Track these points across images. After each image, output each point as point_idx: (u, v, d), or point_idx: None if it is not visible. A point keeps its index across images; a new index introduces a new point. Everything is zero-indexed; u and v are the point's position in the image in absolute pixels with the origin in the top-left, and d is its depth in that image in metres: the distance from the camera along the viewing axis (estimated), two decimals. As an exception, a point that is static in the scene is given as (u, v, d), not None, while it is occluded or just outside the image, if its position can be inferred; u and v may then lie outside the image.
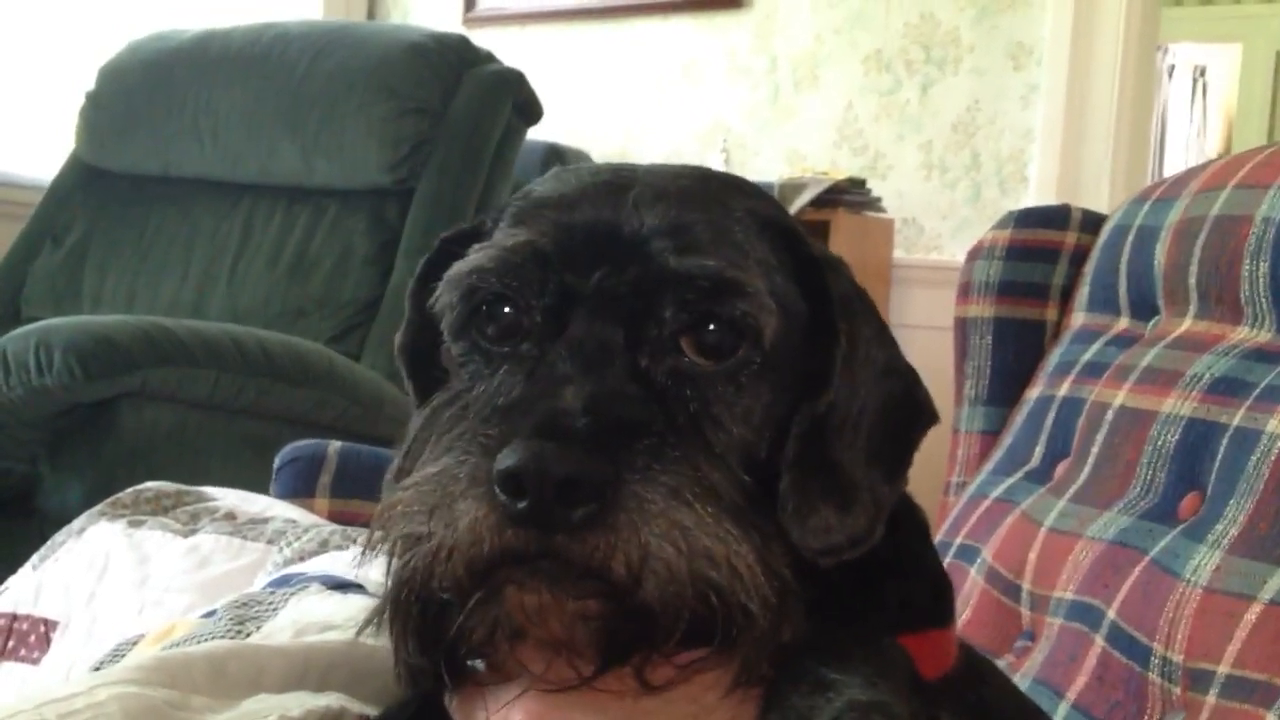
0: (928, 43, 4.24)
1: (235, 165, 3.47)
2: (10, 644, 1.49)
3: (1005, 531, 1.53)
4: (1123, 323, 1.60)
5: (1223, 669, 1.13)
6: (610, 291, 0.76)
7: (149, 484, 1.66)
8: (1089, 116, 3.98)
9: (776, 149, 4.51)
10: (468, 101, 3.32)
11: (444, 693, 0.82)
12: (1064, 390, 1.59)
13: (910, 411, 0.88)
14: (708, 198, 0.83)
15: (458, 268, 0.81)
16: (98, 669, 1.13)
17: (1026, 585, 1.45)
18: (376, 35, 3.52)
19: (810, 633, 0.75)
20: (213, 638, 1.07)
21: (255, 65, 3.45)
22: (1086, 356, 1.59)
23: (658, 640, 0.71)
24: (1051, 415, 1.59)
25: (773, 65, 4.52)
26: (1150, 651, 1.21)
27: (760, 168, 4.47)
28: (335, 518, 1.68)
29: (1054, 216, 1.79)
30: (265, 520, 1.58)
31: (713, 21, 4.63)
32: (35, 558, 1.58)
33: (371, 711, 0.90)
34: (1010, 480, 1.61)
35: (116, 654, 1.17)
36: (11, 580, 1.58)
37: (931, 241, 4.26)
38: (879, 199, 4.19)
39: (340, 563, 1.32)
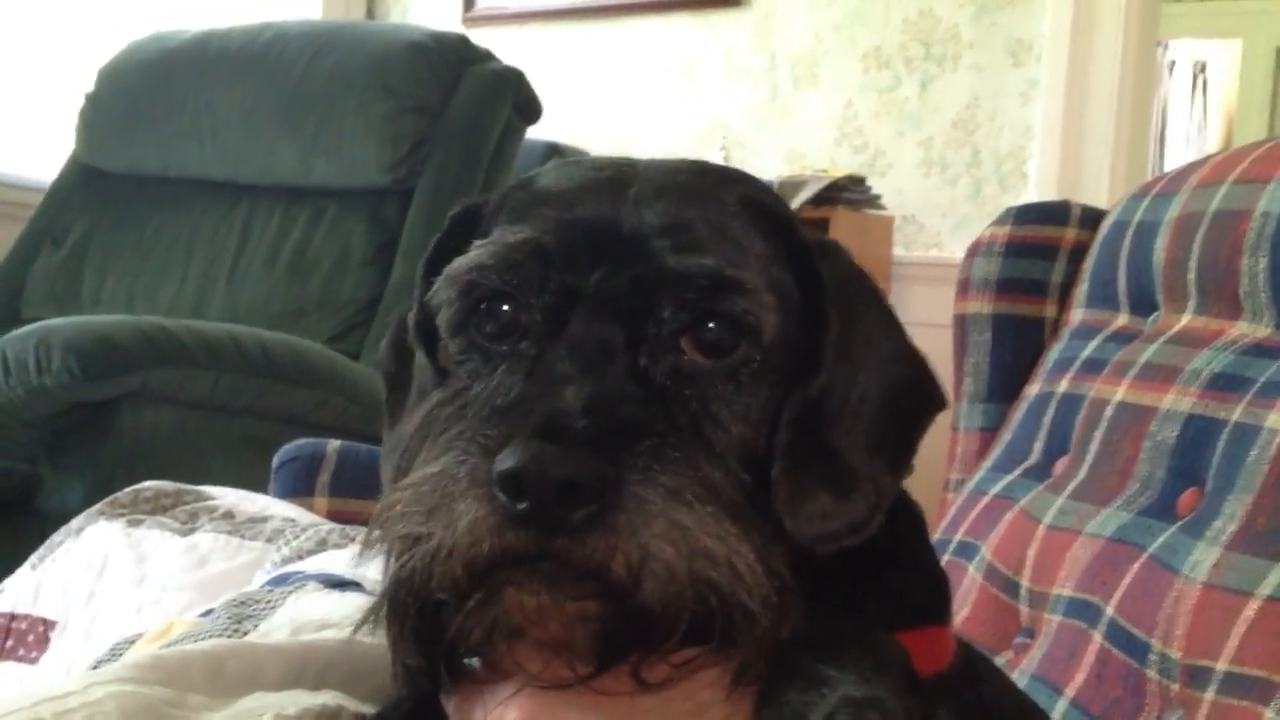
0: (927, 39, 4.23)
1: (234, 165, 3.47)
2: (9, 644, 1.49)
3: (1004, 528, 1.53)
4: (1122, 319, 1.59)
5: (1221, 665, 1.13)
6: (610, 291, 0.76)
7: (148, 483, 1.66)
8: (1089, 113, 3.98)
9: (776, 147, 4.51)
10: (467, 100, 3.32)
11: (441, 692, 0.81)
12: (1063, 387, 1.59)
13: (916, 398, 0.87)
14: (705, 192, 0.83)
15: (457, 264, 0.81)
16: (96, 668, 1.13)
17: (1025, 582, 1.45)
18: (375, 34, 3.52)
19: (806, 628, 0.75)
20: (210, 636, 1.07)
21: (254, 65, 3.45)
22: (1085, 353, 1.59)
23: (657, 641, 0.71)
24: (1050, 412, 1.59)
25: (772, 63, 4.52)
26: (1148, 648, 1.21)
27: (760, 166, 4.47)
28: (334, 516, 1.68)
29: (1053, 213, 1.79)
30: (264, 519, 1.58)
31: (711, 20, 4.63)
32: (34, 557, 1.59)
33: (368, 710, 0.89)
34: (1009, 477, 1.60)
35: (115, 653, 1.17)
36: (10, 580, 1.58)
37: (931, 238, 4.26)
38: (879, 196, 4.19)
39: (338, 561, 1.32)
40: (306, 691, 0.89)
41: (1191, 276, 1.43)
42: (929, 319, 3.92)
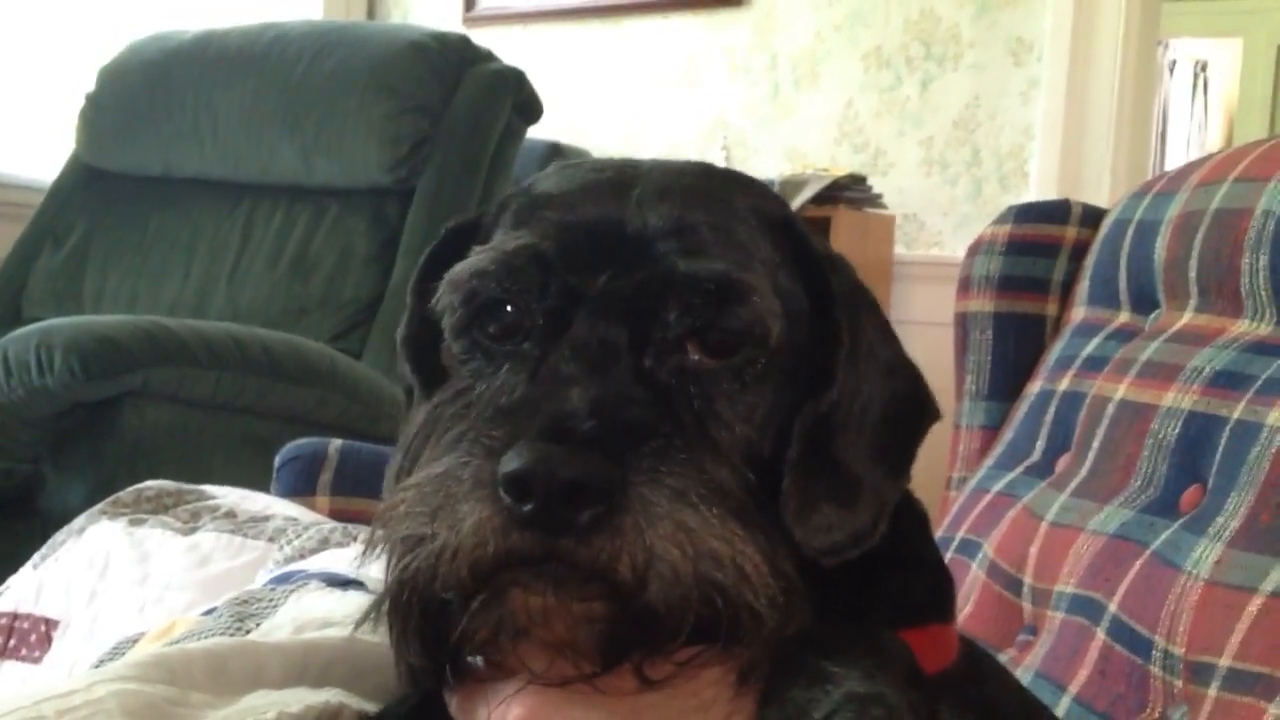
0: (928, 39, 4.23)
1: (235, 165, 3.47)
2: (11, 643, 1.49)
3: (1007, 526, 1.53)
4: (1123, 317, 1.59)
5: (1224, 662, 1.13)
6: (616, 293, 0.76)
7: (150, 483, 1.66)
8: (1089, 112, 3.98)
9: (777, 146, 4.51)
10: (468, 100, 3.32)
11: (444, 690, 0.81)
12: (1065, 384, 1.59)
13: (913, 409, 0.88)
14: (711, 195, 0.83)
15: (458, 269, 0.81)
16: (98, 667, 1.13)
17: (1028, 579, 1.45)
18: (376, 34, 3.52)
19: (810, 626, 0.75)
20: (213, 635, 1.07)
21: (255, 65, 3.45)
22: (1087, 351, 1.59)
23: (662, 641, 0.71)
24: (1052, 409, 1.59)
25: (773, 62, 4.52)
26: (1152, 644, 1.21)
27: (761, 165, 4.47)
28: (336, 516, 1.68)
29: (1054, 211, 1.79)
30: (266, 518, 1.58)
31: (713, 19, 4.63)
32: (36, 557, 1.59)
33: (370, 708, 0.90)
34: (1011, 475, 1.61)
35: (117, 652, 1.17)
36: (13, 579, 1.58)
37: (932, 237, 4.26)
38: (880, 195, 4.19)
39: (340, 560, 1.32)
40: (309, 689, 0.89)
41: (1192, 275, 1.43)
42: (930, 318, 3.94)
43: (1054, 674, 1.33)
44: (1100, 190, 3.87)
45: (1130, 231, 1.59)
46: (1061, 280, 1.75)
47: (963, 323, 1.80)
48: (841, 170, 4.12)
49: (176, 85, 3.54)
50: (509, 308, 0.79)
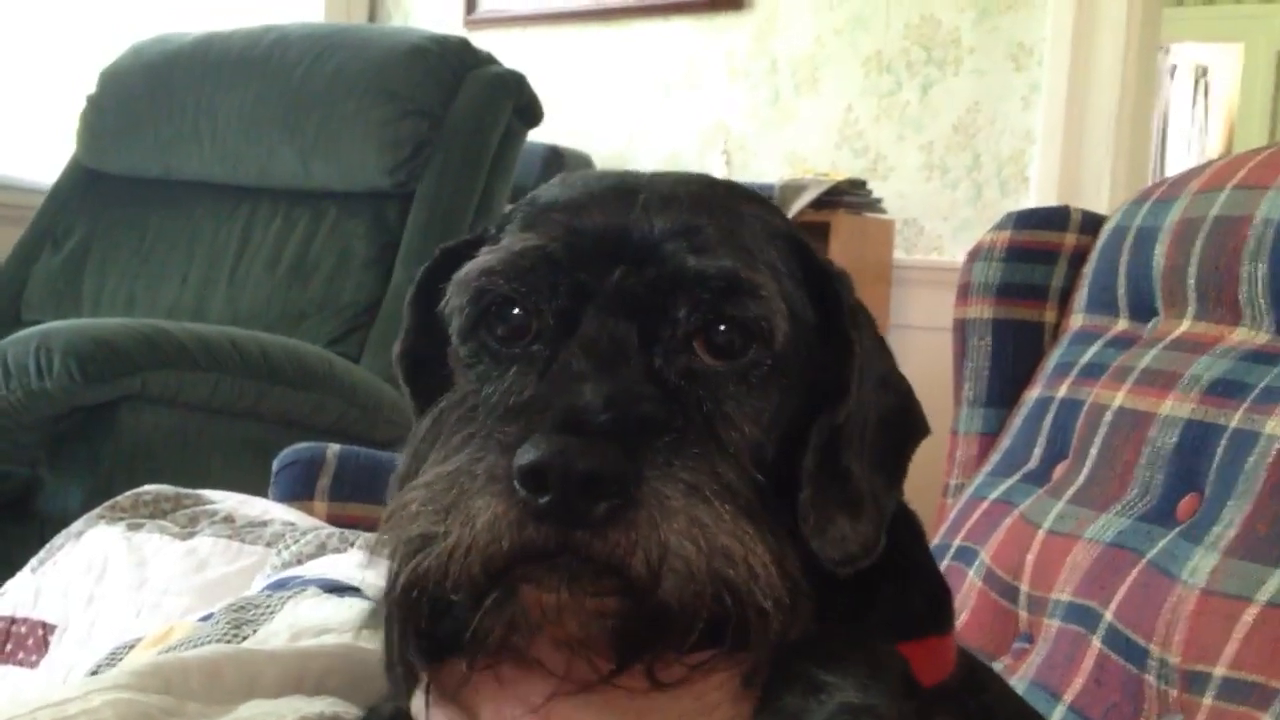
0: (928, 44, 4.23)
1: (235, 168, 3.47)
2: (9, 647, 1.49)
3: (1003, 533, 1.53)
4: (1121, 324, 1.60)
5: (1220, 671, 1.13)
6: (626, 289, 0.76)
7: (148, 487, 1.67)
8: (1090, 117, 3.98)
9: (777, 150, 4.51)
10: (468, 104, 3.32)
11: (426, 693, 0.81)
12: (1062, 391, 1.59)
13: (907, 423, 0.89)
14: (715, 203, 0.83)
15: (467, 269, 0.81)
16: (95, 672, 1.13)
17: (1024, 587, 1.45)
18: (377, 38, 3.52)
19: (807, 634, 0.75)
20: (210, 641, 1.07)
21: (255, 68, 3.46)
22: (1085, 358, 1.59)
23: (674, 640, 0.70)
24: (1050, 416, 1.59)
25: (773, 67, 4.52)
26: (1147, 653, 1.21)
27: (761, 169, 4.47)
28: (334, 521, 1.68)
29: (1053, 218, 1.79)
30: (264, 523, 1.58)
31: (713, 23, 4.63)
32: (34, 561, 1.59)
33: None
34: (1008, 482, 1.60)
35: (114, 657, 1.17)
36: (10, 583, 1.58)
37: (932, 242, 4.26)
38: (879, 200, 4.19)
39: (338, 566, 1.32)
40: (304, 698, 0.89)
41: (1191, 282, 1.43)
42: (929, 323, 3.95)
43: (1049, 682, 1.33)
44: (1100, 195, 3.87)
45: (1129, 238, 1.59)
46: (1060, 287, 1.75)
47: (961, 329, 1.80)
48: (841, 175, 4.12)
49: (177, 88, 3.54)
50: (517, 310, 0.79)
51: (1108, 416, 1.46)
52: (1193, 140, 8.86)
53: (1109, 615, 1.28)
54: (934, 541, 1.64)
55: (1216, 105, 8.91)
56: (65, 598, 1.51)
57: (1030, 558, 1.45)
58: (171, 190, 3.56)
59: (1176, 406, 1.35)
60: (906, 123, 4.28)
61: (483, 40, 3.88)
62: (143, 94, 3.59)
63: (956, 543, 1.61)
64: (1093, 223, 1.76)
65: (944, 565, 1.56)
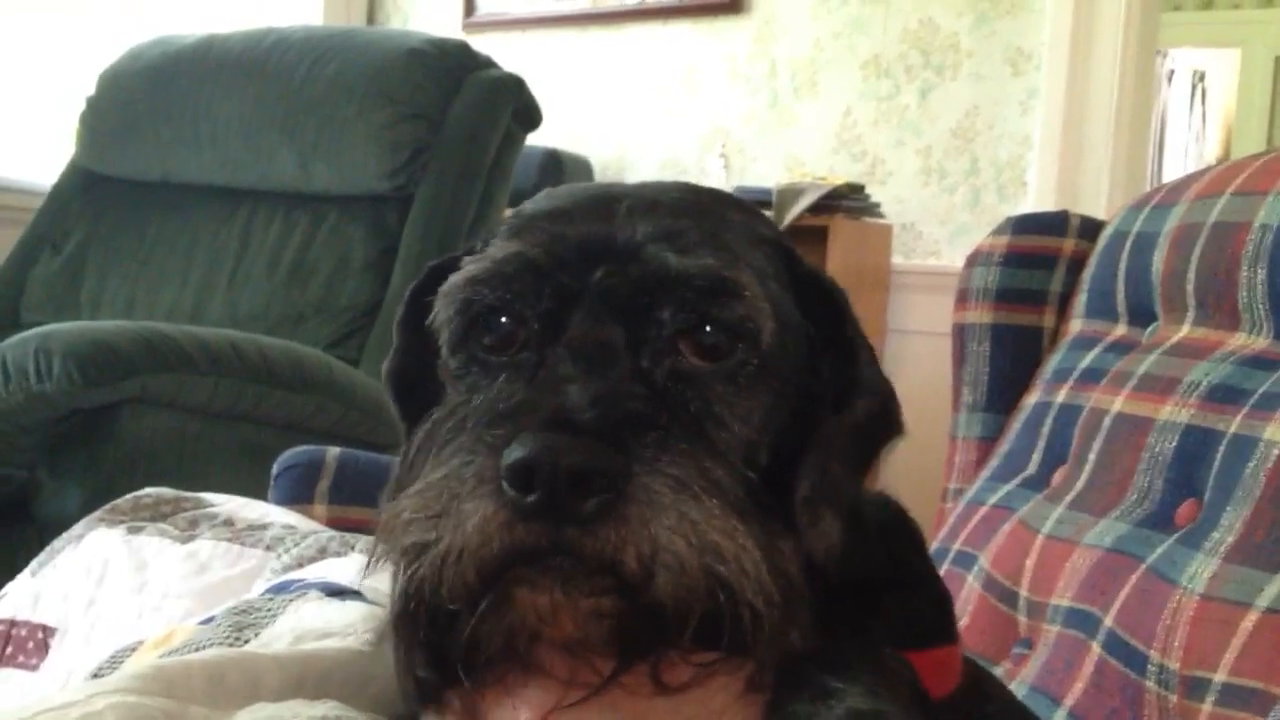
0: (926, 48, 4.24)
1: (234, 171, 3.47)
2: (9, 650, 1.49)
3: (1002, 538, 1.53)
4: (1120, 329, 1.60)
5: (1219, 677, 1.13)
6: (610, 290, 0.76)
7: (148, 490, 1.66)
8: (1088, 122, 3.98)
9: (775, 154, 4.51)
10: (467, 107, 3.32)
11: (441, 703, 0.81)
12: (1061, 397, 1.59)
13: (886, 424, 0.89)
14: (699, 208, 0.84)
15: (452, 281, 0.81)
16: (96, 675, 1.13)
17: (1024, 592, 1.45)
18: (376, 41, 3.52)
19: (815, 644, 0.75)
20: (212, 644, 1.07)
21: (255, 71, 3.46)
22: (1084, 363, 1.59)
23: (669, 638, 0.70)
24: (1049, 422, 1.59)
25: (772, 71, 4.53)
26: (1147, 659, 1.21)
27: (759, 173, 4.48)
28: (334, 524, 1.68)
29: (1052, 223, 1.79)
30: (264, 526, 1.58)
31: (712, 27, 4.64)
32: (34, 564, 1.59)
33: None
34: (1008, 487, 1.61)
35: (115, 660, 1.17)
36: (10, 586, 1.58)
37: (930, 247, 4.26)
38: (878, 204, 4.19)
39: (339, 569, 1.32)
40: (306, 702, 0.89)
41: (1190, 288, 1.43)
42: (927, 327, 3.95)
43: (1049, 687, 1.33)
44: (1098, 200, 3.88)
45: (1128, 244, 1.59)
46: (1059, 292, 1.76)
47: (960, 334, 1.81)
48: (839, 179, 4.12)
49: (176, 90, 3.54)
50: (504, 318, 0.79)
51: (1107, 422, 1.46)
52: (1190, 145, 8.88)
53: (1108, 621, 1.28)
54: (933, 546, 1.64)
55: (1214, 110, 8.92)
56: (65, 601, 1.50)
57: (1029, 563, 1.45)
58: (171, 193, 3.56)
59: (1175, 412, 1.35)
60: (905, 127, 4.29)
61: (481, 43, 3.88)
62: (142, 96, 3.59)
63: (955, 548, 1.62)
64: (1091, 228, 1.76)
65: (943, 570, 1.57)
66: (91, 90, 3.71)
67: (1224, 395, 1.30)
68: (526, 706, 0.76)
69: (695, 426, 0.75)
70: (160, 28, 3.97)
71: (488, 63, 3.45)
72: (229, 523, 1.59)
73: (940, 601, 0.90)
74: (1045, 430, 1.59)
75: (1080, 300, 1.70)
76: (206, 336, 2.61)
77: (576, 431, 0.68)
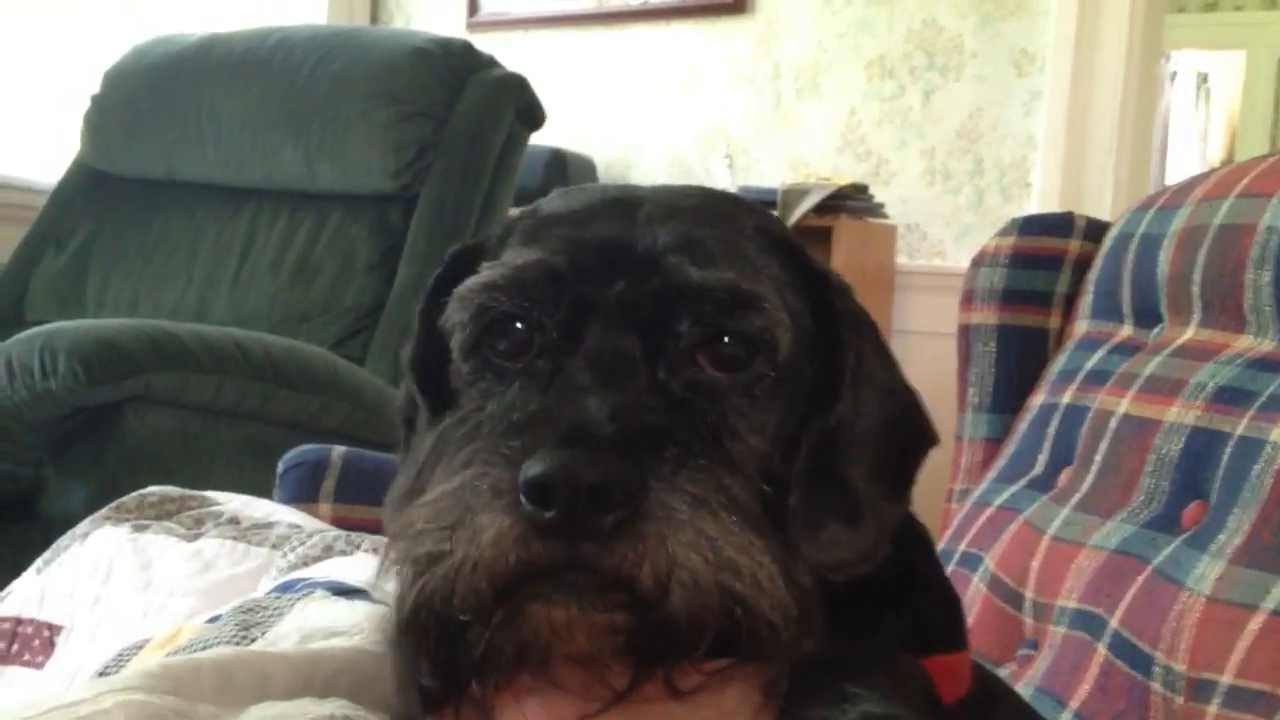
0: (930, 49, 4.24)
1: (239, 170, 3.47)
2: (14, 648, 1.49)
3: (1008, 539, 1.53)
4: (1126, 331, 1.60)
5: (1225, 679, 1.13)
6: (629, 303, 0.76)
7: (153, 488, 1.67)
8: (1092, 123, 3.98)
9: (779, 155, 4.51)
10: (471, 107, 3.32)
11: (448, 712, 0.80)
12: (1067, 398, 1.59)
13: (912, 433, 0.88)
14: (717, 214, 0.83)
15: (468, 285, 0.80)
16: (102, 674, 1.13)
17: (1029, 593, 1.45)
18: (380, 40, 3.52)
19: (828, 649, 0.75)
20: (218, 643, 1.07)
21: (259, 70, 3.46)
22: (1090, 364, 1.59)
23: (682, 653, 0.70)
24: (1055, 423, 1.59)
25: (775, 71, 4.53)
26: (1153, 661, 1.21)
27: (763, 174, 4.48)
28: (339, 523, 1.68)
29: (1057, 224, 1.79)
30: (269, 525, 1.58)
31: (715, 27, 4.64)
32: (39, 562, 1.59)
33: (376, 719, 0.89)
34: (1013, 488, 1.61)
35: (121, 659, 1.17)
36: (15, 584, 1.58)
37: (934, 247, 4.26)
38: (882, 205, 4.19)
39: (345, 568, 1.33)
40: (314, 700, 0.89)
41: (1196, 290, 1.43)
42: (932, 328, 3.95)
43: (1055, 689, 1.33)
44: (1102, 201, 3.88)
45: (1133, 245, 1.59)
46: (1065, 293, 1.76)
47: (966, 335, 1.81)
48: (844, 179, 4.12)
49: (181, 89, 3.54)
50: (519, 324, 0.79)
51: (1112, 423, 1.46)
52: (1194, 147, 8.87)
53: (1114, 622, 1.28)
54: (938, 547, 1.64)
55: (1218, 112, 8.92)
56: (71, 599, 1.50)
57: (1035, 564, 1.45)
58: (175, 191, 3.57)
59: (1181, 414, 1.35)
60: (909, 128, 4.29)
61: (485, 43, 3.88)
62: (146, 95, 3.59)
63: (961, 549, 1.62)
64: (1096, 229, 1.76)
65: (949, 571, 1.57)
66: (96, 89, 3.71)
67: (1230, 397, 1.30)
68: (539, 716, 0.76)
69: (712, 440, 0.75)
70: (164, 26, 3.97)
71: (491, 62, 3.45)
72: (234, 521, 1.59)
73: (950, 607, 0.90)
74: (1051, 431, 1.59)
75: (1085, 301, 1.70)
76: (211, 335, 2.62)
77: (595, 447, 0.67)
